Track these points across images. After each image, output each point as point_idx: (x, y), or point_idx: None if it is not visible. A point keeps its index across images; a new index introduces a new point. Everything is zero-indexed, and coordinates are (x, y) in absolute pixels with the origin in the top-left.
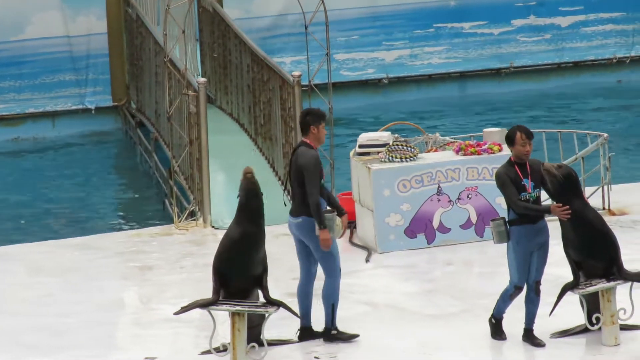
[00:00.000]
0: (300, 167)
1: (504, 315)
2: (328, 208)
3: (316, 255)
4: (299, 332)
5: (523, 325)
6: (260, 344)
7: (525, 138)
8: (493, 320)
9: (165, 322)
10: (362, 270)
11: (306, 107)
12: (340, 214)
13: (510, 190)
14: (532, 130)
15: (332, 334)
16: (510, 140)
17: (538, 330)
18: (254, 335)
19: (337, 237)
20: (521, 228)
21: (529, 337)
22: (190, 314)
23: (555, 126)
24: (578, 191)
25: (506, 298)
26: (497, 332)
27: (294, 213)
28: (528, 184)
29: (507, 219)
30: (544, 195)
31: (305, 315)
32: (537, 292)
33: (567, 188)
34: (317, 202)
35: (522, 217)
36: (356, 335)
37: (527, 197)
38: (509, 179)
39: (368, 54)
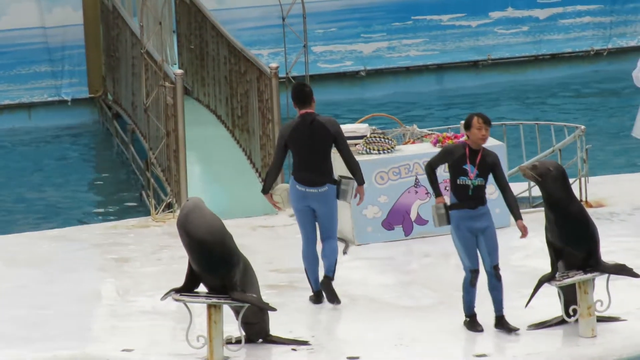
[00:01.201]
0: (334, 134)
1: (475, 308)
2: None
3: (326, 219)
4: (313, 296)
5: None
6: (239, 341)
7: (482, 122)
8: (467, 319)
9: (142, 314)
10: (339, 262)
11: (297, 82)
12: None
13: (438, 157)
14: (509, 122)
15: (331, 284)
16: (467, 124)
17: (515, 321)
18: (257, 333)
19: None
20: (460, 212)
21: (502, 323)
22: (167, 306)
23: (533, 118)
24: (561, 184)
25: (468, 287)
26: (474, 326)
27: (315, 183)
28: (472, 170)
29: (448, 204)
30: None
31: (316, 279)
32: (498, 278)
33: (547, 185)
34: (357, 161)
35: (461, 202)
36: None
37: (467, 183)
38: (449, 156)
39: (346, 46)
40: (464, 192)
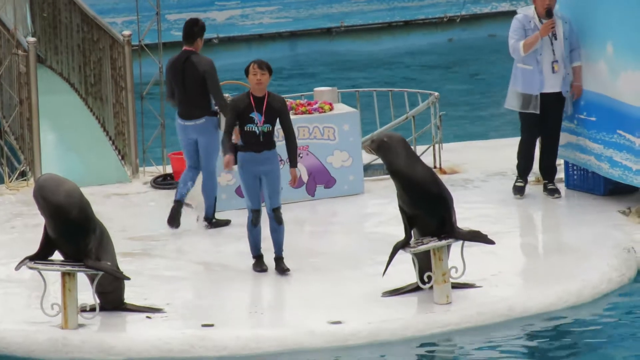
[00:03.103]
0: (203, 73)
1: (261, 250)
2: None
3: (204, 150)
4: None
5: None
6: (93, 308)
7: (256, 68)
8: (254, 259)
9: None
10: (193, 229)
11: (191, 18)
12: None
13: (228, 117)
14: (362, 89)
15: (213, 222)
16: (245, 72)
17: (369, 288)
18: (112, 301)
19: None
20: (245, 155)
21: (278, 264)
22: (21, 274)
23: (386, 85)
24: (398, 152)
25: (250, 227)
26: (259, 266)
27: (193, 116)
28: (259, 118)
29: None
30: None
31: (182, 194)
32: (278, 221)
33: (386, 155)
34: (226, 100)
35: (246, 145)
36: (229, 221)
37: (253, 129)
38: (235, 109)
39: (200, 14)
40: (253, 137)
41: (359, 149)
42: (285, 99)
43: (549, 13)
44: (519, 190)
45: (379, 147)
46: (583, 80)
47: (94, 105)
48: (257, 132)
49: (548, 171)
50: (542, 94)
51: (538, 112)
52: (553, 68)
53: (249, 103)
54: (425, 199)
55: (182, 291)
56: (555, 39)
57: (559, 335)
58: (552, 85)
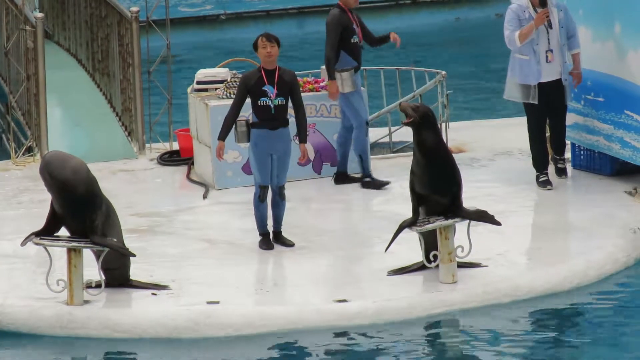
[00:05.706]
0: (326, 26)
1: (267, 224)
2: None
3: (347, 106)
4: (334, 175)
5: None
6: (99, 285)
7: (265, 40)
8: (260, 237)
9: (2, 258)
10: (199, 206)
11: None
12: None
13: (238, 92)
14: (370, 67)
15: (365, 181)
16: (254, 47)
17: (375, 267)
18: (118, 278)
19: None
20: (260, 131)
21: (279, 238)
22: (27, 250)
23: (393, 64)
24: (434, 128)
25: (257, 203)
26: (265, 244)
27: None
28: (271, 91)
29: (250, 121)
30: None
31: (343, 161)
32: (282, 196)
33: (424, 127)
34: (328, 55)
35: (262, 122)
36: (388, 182)
37: (267, 103)
38: (246, 83)
39: None
40: (266, 112)
41: None
42: None
43: (542, 2)
44: (544, 184)
45: (423, 116)
46: (591, 61)
47: (101, 81)
48: (271, 105)
49: (558, 146)
50: (542, 83)
51: (536, 102)
52: (547, 57)
53: (260, 77)
54: (445, 179)
55: (188, 268)
56: (551, 27)
57: (564, 315)
58: (550, 73)
